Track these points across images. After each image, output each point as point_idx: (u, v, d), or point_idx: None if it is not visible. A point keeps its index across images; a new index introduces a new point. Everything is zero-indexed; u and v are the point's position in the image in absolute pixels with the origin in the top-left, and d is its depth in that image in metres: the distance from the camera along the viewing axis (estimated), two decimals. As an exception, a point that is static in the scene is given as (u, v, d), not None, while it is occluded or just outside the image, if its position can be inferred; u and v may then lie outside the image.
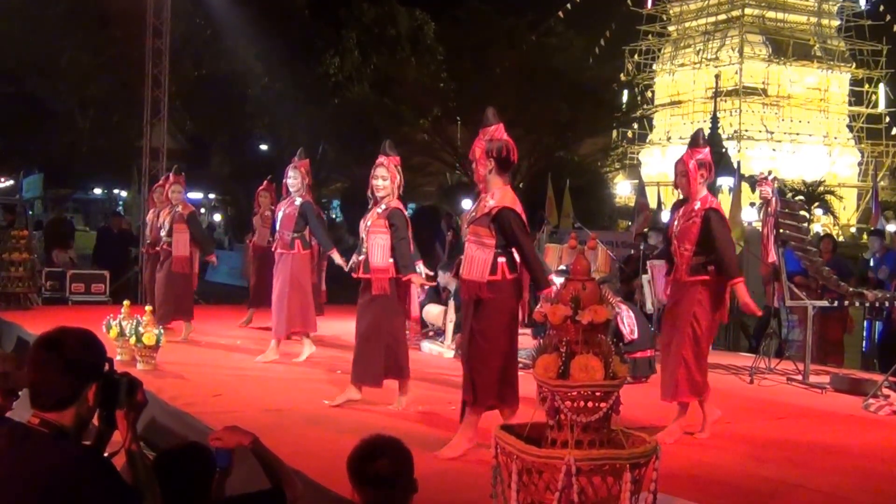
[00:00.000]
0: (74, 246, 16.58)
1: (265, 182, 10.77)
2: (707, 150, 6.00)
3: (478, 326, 5.23)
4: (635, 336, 7.87)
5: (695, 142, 6.01)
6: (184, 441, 3.29)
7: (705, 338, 5.86)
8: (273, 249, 8.52)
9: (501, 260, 5.22)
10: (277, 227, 8.38)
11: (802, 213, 8.96)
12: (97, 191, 32.56)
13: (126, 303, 8.15)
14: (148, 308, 7.90)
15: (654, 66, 45.78)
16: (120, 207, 30.14)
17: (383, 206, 6.37)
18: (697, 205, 5.83)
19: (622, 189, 41.24)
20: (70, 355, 2.55)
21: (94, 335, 2.66)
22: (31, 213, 17.85)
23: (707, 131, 34.83)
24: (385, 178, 6.35)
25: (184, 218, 9.48)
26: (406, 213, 6.55)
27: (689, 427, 5.89)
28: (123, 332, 7.65)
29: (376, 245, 6.30)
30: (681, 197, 6.04)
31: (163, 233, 9.62)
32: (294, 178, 8.20)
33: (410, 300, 6.48)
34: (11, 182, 30.06)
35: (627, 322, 7.88)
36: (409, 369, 6.51)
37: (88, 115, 29.54)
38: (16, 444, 2.52)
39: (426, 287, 10.24)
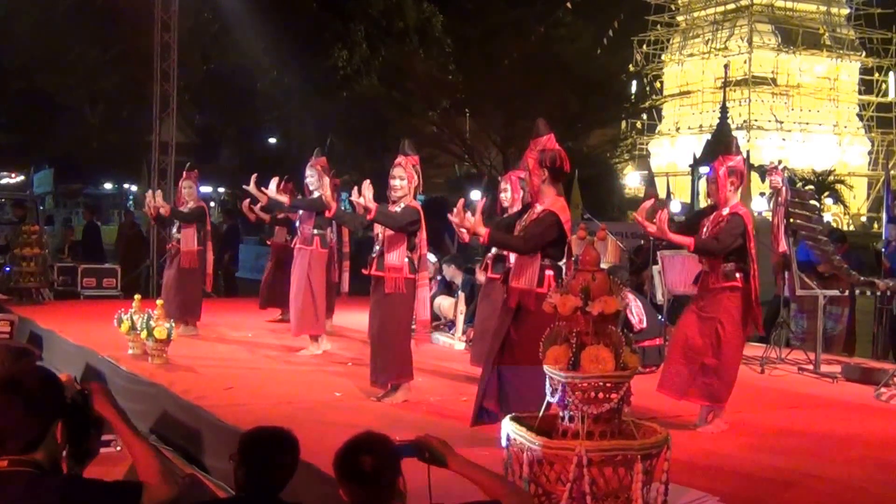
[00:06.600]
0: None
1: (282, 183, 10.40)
2: (740, 157, 5.96)
3: (518, 338, 5.08)
4: (644, 325, 7.87)
5: (727, 149, 6.01)
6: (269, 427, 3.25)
7: (732, 346, 5.74)
8: (293, 245, 8.58)
9: (549, 273, 5.14)
10: (298, 223, 8.46)
11: (813, 202, 8.89)
12: (107, 186, 32.67)
13: (137, 297, 8.16)
14: (159, 302, 7.92)
15: (663, 57, 45.53)
16: (130, 202, 30.21)
17: (402, 206, 6.30)
18: (726, 211, 5.77)
19: (631, 180, 41.11)
20: (30, 395, 2.54)
21: (48, 371, 2.68)
22: (41, 208, 17.92)
23: (716, 121, 34.69)
24: (402, 177, 6.27)
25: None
26: (420, 212, 6.37)
27: (692, 417, 5.87)
28: (135, 327, 7.68)
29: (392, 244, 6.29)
30: (710, 203, 5.98)
31: (173, 229, 9.60)
32: (311, 177, 8.27)
33: (419, 302, 6.41)
34: (22, 178, 30.18)
35: (636, 311, 7.88)
36: (412, 371, 6.42)
37: (98, 111, 29.70)
38: None
39: (437, 279, 10.28)
